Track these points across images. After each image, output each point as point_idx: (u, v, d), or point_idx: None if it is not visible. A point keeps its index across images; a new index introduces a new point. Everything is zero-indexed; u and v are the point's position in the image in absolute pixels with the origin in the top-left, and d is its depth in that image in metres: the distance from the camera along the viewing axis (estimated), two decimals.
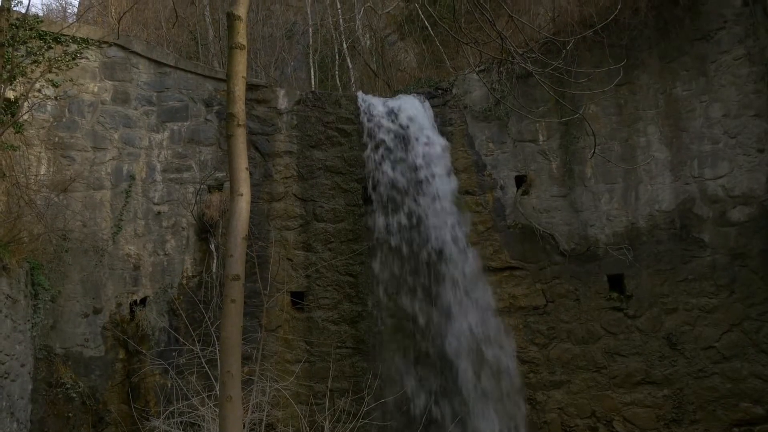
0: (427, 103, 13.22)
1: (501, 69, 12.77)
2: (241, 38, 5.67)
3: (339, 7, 18.43)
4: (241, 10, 5.71)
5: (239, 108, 5.59)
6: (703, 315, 11.78)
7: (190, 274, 11.93)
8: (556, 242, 12.62)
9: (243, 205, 5.49)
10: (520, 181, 13.00)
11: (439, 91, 13.44)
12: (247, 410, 8.64)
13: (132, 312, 11.45)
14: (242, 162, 5.57)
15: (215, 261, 11.84)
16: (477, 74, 12.78)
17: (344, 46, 17.84)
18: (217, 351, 8.16)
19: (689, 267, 11.96)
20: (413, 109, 12.99)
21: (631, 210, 12.42)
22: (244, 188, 5.55)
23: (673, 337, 11.87)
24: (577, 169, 12.73)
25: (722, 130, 11.93)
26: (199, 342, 10.00)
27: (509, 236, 12.81)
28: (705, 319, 11.77)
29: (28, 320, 10.19)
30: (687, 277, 11.94)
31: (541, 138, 12.99)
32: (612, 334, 12.19)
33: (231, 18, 5.71)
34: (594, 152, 10.95)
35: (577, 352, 12.29)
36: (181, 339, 10.69)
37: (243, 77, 5.68)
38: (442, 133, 13.01)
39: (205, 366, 9.53)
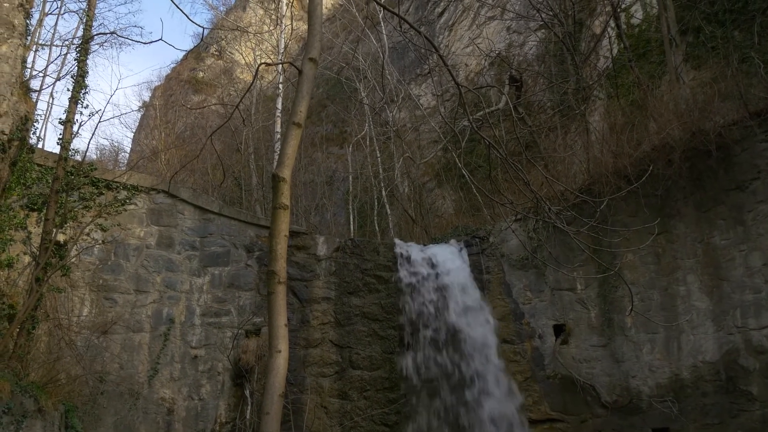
0: (464, 252, 13.37)
1: (537, 219, 12.94)
2: (285, 199, 5.90)
3: (378, 155, 19.09)
4: (286, 172, 5.97)
5: (281, 266, 5.73)
6: None
7: (224, 420, 11.76)
8: (597, 393, 12.26)
9: (281, 362, 5.52)
10: (558, 330, 12.85)
11: (476, 239, 13.62)
12: None
13: None
14: (282, 319, 5.64)
15: (249, 407, 11.69)
16: (512, 227, 12.92)
17: (383, 193, 18.33)
18: None
19: (738, 421, 11.40)
20: (451, 261, 13.13)
21: (674, 361, 12.05)
22: (283, 345, 5.59)
23: None
24: (616, 318, 12.52)
25: (763, 279, 11.68)
26: None
27: (549, 387, 12.51)
28: None
29: None
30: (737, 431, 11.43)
31: (579, 287, 12.94)
32: None
33: (276, 179, 5.97)
34: (632, 309, 10.82)
35: None
36: None
37: (285, 236, 5.86)
38: (479, 281, 13.05)
39: None
